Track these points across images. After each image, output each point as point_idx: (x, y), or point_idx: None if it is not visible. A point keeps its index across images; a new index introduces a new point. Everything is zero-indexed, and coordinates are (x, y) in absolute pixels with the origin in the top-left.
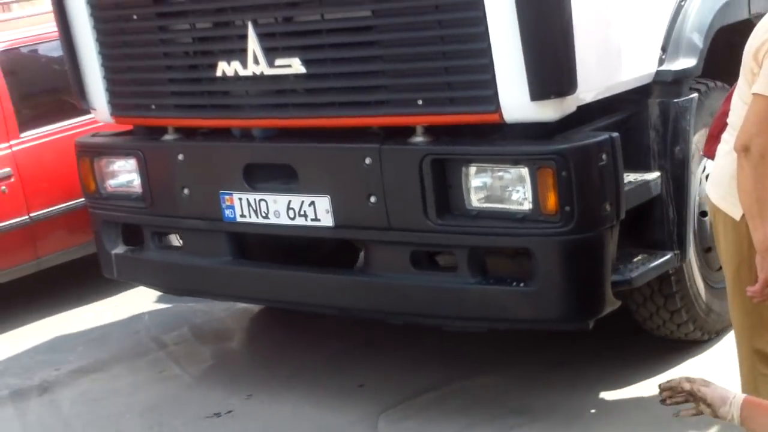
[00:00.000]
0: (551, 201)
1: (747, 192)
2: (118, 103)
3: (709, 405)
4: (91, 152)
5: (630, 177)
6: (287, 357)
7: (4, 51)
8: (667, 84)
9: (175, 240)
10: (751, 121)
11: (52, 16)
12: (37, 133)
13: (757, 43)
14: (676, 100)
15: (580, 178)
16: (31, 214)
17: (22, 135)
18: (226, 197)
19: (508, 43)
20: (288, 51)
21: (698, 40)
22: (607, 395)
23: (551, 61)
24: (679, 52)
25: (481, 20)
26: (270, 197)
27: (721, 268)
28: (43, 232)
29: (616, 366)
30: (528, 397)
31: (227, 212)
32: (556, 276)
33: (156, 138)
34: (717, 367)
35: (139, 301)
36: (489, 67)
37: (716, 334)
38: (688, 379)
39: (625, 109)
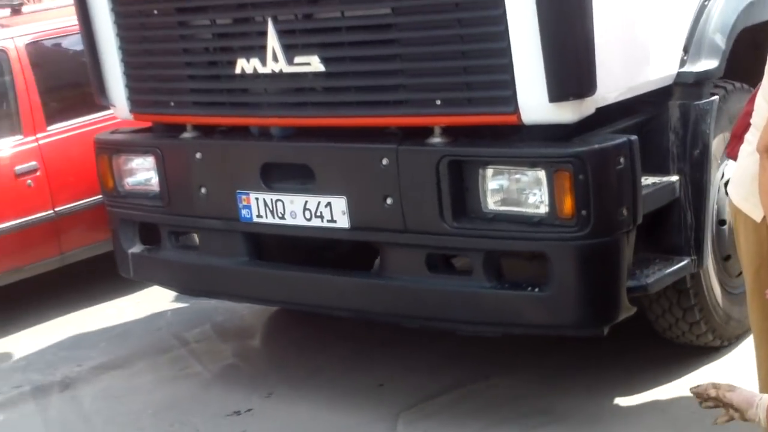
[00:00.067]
0: (568, 205)
1: None
2: (137, 100)
3: (736, 410)
4: (110, 149)
5: (648, 180)
6: (308, 355)
7: (32, 43)
8: (688, 86)
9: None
10: None
11: None
12: (64, 127)
13: None
14: (696, 103)
15: (597, 181)
16: (56, 209)
17: (49, 128)
18: (243, 197)
19: (528, 44)
20: (307, 48)
21: (721, 41)
22: (625, 398)
23: (570, 62)
24: (701, 53)
25: (501, 19)
26: (287, 197)
27: (740, 274)
28: (67, 227)
29: (633, 369)
30: (546, 399)
31: (244, 212)
32: (571, 281)
33: (174, 136)
34: (736, 369)
35: (162, 297)
36: (508, 68)
37: (736, 339)
38: (714, 385)
39: (644, 111)
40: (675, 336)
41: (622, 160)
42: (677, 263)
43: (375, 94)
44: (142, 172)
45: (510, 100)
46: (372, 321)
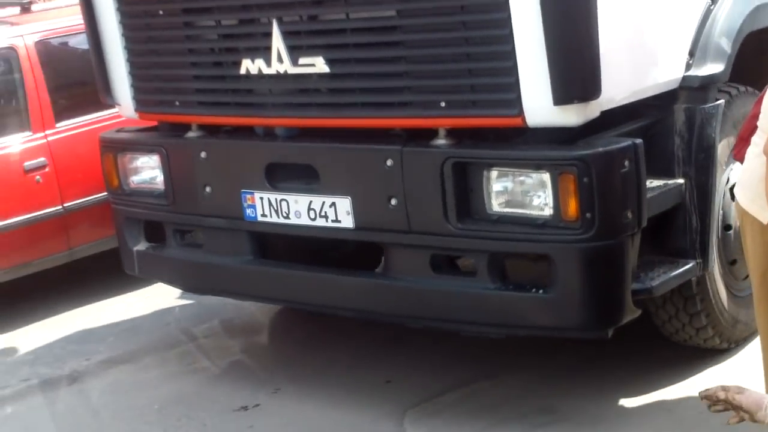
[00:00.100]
0: (572, 207)
1: None
2: (142, 99)
3: (746, 411)
4: (115, 148)
5: (653, 184)
6: (315, 352)
7: (41, 41)
8: (693, 89)
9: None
10: None
11: None
12: (73, 124)
13: None
14: (702, 106)
15: (601, 184)
16: (65, 204)
17: (58, 125)
18: (248, 196)
19: (533, 46)
20: (312, 50)
21: (727, 45)
22: (631, 397)
23: (575, 65)
24: (707, 57)
25: (506, 22)
26: (291, 197)
27: (747, 277)
28: (76, 223)
29: (639, 370)
30: (551, 399)
31: (248, 211)
32: (575, 283)
33: (179, 135)
34: (743, 370)
35: (170, 293)
36: (513, 70)
37: (744, 341)
38: (723, 388)
39: (650, 114)
40: (682, 340)
41: (626, 163)
42: (682, 266)
43: (379, 95)
44: (147, 171)
45: (514, 102)
46: (376, 321)
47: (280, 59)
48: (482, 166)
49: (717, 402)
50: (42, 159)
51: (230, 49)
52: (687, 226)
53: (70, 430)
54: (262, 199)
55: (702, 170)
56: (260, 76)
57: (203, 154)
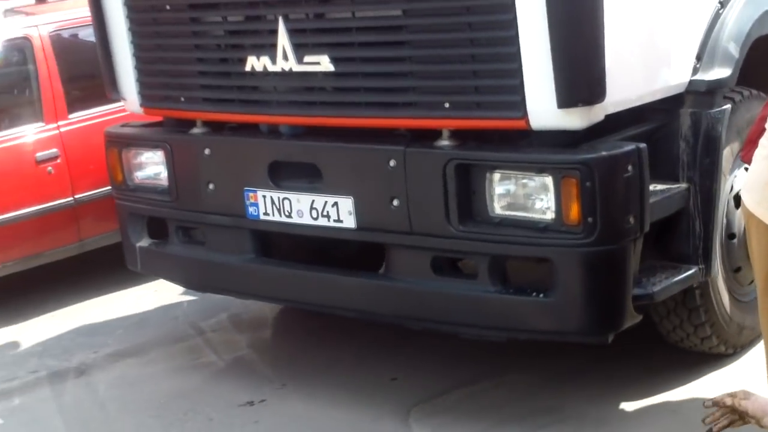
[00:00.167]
0: (574, 211)
1: None
2: (148, 94)
3: (752, 417)
4: (120, 143)
5: (657, 188)
6: (322, 348)
7: (55, 32)
8: (700, 94)
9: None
10: None
11: None
12: (85, 115)
13: None
14: (708, 111)
15: (604, 189)
16: (76, 196)
17: (71, 116)
18: (251, 194)
19: (538, 49)
20: (317, 48)
21: (734, 50)
22: (635, 400)
23: (580, 68)
24: (715, 61)
25: (512, 24)
26: (294, 196)
27: (752, 282)
28: (86, 214)
29: (644, 373)
30: (555, 399)
31: (251, 209)
32: (576, 288)
33: (183, 131)
34: (748, 372)
35: (179, 287)
36: (518, 72)
37: (750, 344)
38: (730, 394)
39: (655, 118)
40: (688, 347)
41: (630, 167)
42: (685, 272)
43: (384, 95)
44: (151, 167)
45: (519, 104)
46: (376, 322)
47: (285, 57)
48: (485, 169)
49: (723, 407)
50: (54, 150)
51: (236, 46)
52: (690, 231)
53: (76, 423)
54: (264, 197)
55: (706, 175)
56: (265, 73)
57: (207, 151)
